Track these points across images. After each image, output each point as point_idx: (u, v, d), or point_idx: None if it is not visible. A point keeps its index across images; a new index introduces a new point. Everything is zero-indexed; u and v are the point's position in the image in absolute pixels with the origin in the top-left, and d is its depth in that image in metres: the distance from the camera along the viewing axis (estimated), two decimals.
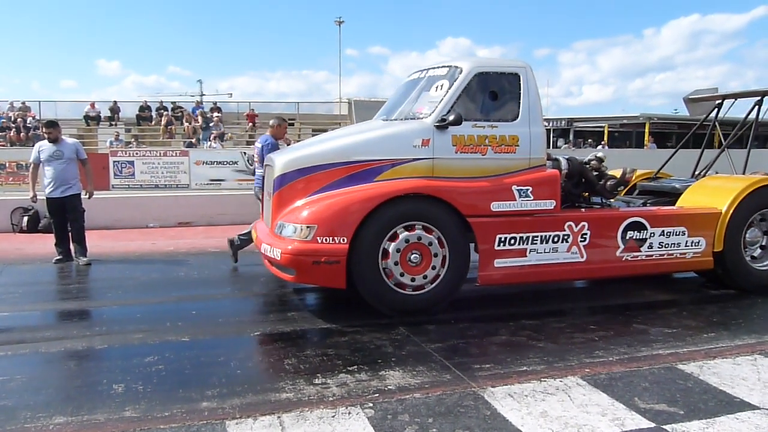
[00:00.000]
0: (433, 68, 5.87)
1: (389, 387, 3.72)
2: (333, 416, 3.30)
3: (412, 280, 5.09)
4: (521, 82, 5.49)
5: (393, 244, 5.00)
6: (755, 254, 6.26)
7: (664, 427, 3.19)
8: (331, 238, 4.87)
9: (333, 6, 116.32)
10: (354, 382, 3.79)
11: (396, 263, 5.01)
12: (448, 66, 5.67)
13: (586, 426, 3.20)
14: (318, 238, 4.87)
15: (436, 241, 5.12)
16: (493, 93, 5.48)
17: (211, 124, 22.42)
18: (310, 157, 5.32)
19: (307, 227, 4.91)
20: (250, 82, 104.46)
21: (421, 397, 3.56)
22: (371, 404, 3.46)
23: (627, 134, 33.35)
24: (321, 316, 5.35)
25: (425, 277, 5.11)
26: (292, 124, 27.40)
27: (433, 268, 5.12)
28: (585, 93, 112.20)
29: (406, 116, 5.64)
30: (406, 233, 5.04)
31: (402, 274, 5.05)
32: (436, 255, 5.11)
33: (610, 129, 32.29)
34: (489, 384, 3.76)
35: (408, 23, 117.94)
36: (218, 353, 4.37)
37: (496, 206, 5.28)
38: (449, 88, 5.38)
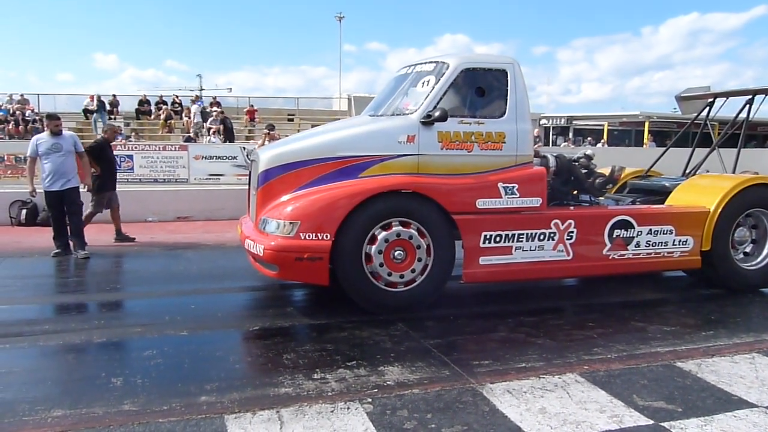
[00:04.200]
0: (421, 64, 5.84)
1: (388, 382, 3.72)
2: (332, 411, 3.30)
3: (401, 276, 5.08)
4: (508, 78, 5.46)
5: (377, 240, 4.98)
6: (743, 254, 6.26)
7: (662, 424, 3.20)
8: (314, 234, 4.85)
9: (330, 1, 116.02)
10: (353, 378, 3.79)
11: (381, 264, 4.99)
12: (435, 62, 5.65)
13: (584, 423, 3.21)
14: (301, 234, 4.85)
15: (417, 234, 5.07)
16: (480, 89, 5.46)
17: (210, 119, 22.35)
18: (295, 153, 5.30)
19: (290, 223, 4.89)
20: (248, 77, 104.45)
21: (420, 393, 3.56)
22: (370, 399, 3.46)
23: (626, 132, 33.29)
24: (320, 311, 5.35)
25: (413, 271, 5.09)
26: (292, 120, 27.39)
27: (419, 260, 5.10)
28: (584, 91, 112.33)
29: (393, 112, 5.62)
30: (391, 230, 5.01)
31: (390, 274, 5.03)
32: (419, 247, 5.09)
33: (609, 127, 32.23)
34: (488, 380, 3.76)
35: (406, 20, 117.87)
36: (217, 347, 4.37)
37: (481, 203, 5.27)
38: (435, 84, 5.36)
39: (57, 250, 7.62)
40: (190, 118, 23.21)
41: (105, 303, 5.67)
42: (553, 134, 33.42)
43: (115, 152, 9.36)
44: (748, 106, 7.23)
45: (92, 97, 24.57)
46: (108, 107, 24.03)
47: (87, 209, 8.33)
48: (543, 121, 33.06)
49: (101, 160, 8.44)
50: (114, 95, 25.36)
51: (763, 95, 7.11)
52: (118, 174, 9.00)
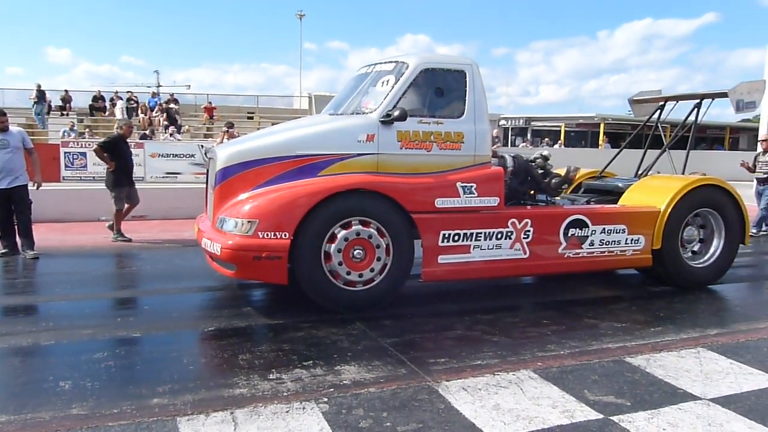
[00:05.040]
0: (381, 63, 5.86)
1: (344, 382, 3.71)
2: (287, 411, 3.28)
3: (360, 275, 5.08)
4: (467, 79, 5.52)
5: (337, 239, 4.96)
6: (692, 252, 6.46)
7: (611, 418, 3.28)
8: (272, 233, 4.82)
9: None
10: (309, 377, 3.77)
11: (340, 263, 4.98)
12: (395, 61, 5.67)
13: (537, 418, 3.26)
14: (259, 233, 4.81)
15: (376, 233, 5.08)
16: (439, 89, 5.51)
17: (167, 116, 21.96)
18: (254, 151, 5.26)
19: (249, 222, 4.85)
20: (208, 74, 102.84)
21: (376, 392, 3.57)
22: (326, 399, 3.45)
23: (583, 134, 34.05)
24: (277, 311, 5.31)
25: (372, 270, 5.10)
26: (252, 118, 27.10)
27: (378, 259, 5.11)
28: (542, 93, 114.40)
29: (353, 111, 5.62)
30: (351, 230, 5.01)
31: (349, 273, 5.03)
32: (378, 246, 5.10)
33: (566, 128, 32.90)
34: (443, 378, 3.79)
35: (368, 19, 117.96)
36: (171, 349, 4.29)
37: (440, 202, 5.31)
38: (395, 84, 5.38)
39: (4, 250, 7.37)
40: (146, 115, 22.76)
41: (54, 304, 5.51)
42: (512, 135, 33.92)
43: (67, 149, 9.11)
44: (696, 109, 7.47)
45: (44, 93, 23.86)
46: (51, 99, 23.34)
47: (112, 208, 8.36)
48: (502, 122, 33.52)
49: (116, 156, 8.33)
50: (66, 91, 24.71)
51: (711, 99, 7.36)
52: (70, 171, 8.75)
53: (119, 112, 22.37)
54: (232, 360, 4.07)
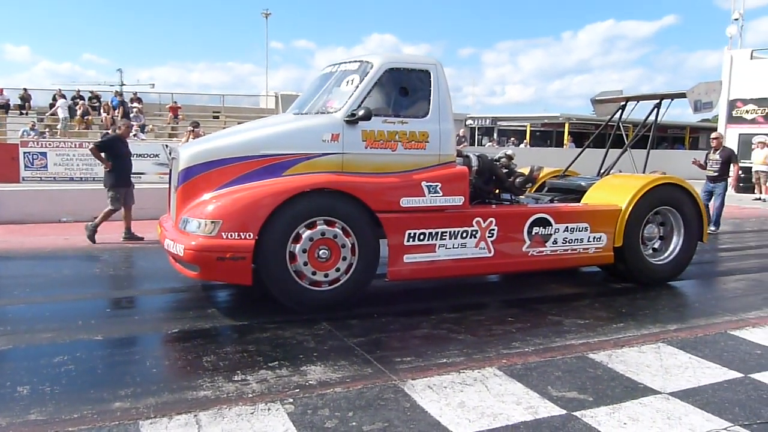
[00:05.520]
0: (346, 63, 5.86)
1: (310, 382, 3.70)
2: (252, 413, 3.25)
3: (326, 275, 5.06)
4: (432, 79, 5.54)
5: (302, 238, 4.94)
6: (652, 249, 6.60)
7: (574, 413, 3.33)
8: (236, 233, 4.78)
9: None
10: (274, 378, 3.75)
11: (306, 263, 4.96)
12: (359, 61, 5.68)
13: (501, 415, 3.30)
14: (223, 233, 4.77)
15: (342, 233, 5.07)
16: (404, 89, 5.53)
17: (131, 116, 21.55)
18: (217, 150, 5.21)
19: (212, 222, 4.80)
20: (172, 73, 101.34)
21: (342, 392, 3.56)
22: (291, 400, 3.43)
23: (548, 133, 34.51)
24: (243, 312, 5.27)
25: (338, 270, 5.09)
26: (217, 117, 26.78)
27: (344, 259, 5.10)
28: (508, 92, 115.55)
29: (318, 110, 5.61)
30: (316, 229, 4.99)
31: (314, 273, 5.01)
32: (344, 246, 5.10)
33: (532, 128, 33.31)
34: (409, 377, 3.81)
35: (335, 18, 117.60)
36: (133, 352, 4.23)
37: (405, 202, 5.33)
38: (360, 83, 5.38)
39: None
40: (109, 114, 22.31)
41: (12, 308, 5.35)
42: (478, 134, 34.22)
43: (26, 149, 8.89)
44: (656, 109, 7.64)
45: (1, 91, 23.22)
46: (9, 98, 22.68)
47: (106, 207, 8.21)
48: (469, 122, 33.81)
49: (113, 156, 8.21)
50: (25, 89, 24.07)
51: (670, 100, 7.54)
52: (29, 172, 8.54)
53: (61, 111, 21.80)
54: (197, 362, 4.02)
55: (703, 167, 10.58)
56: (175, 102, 26.02)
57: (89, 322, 4.82)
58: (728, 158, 10.37)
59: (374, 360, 4.08)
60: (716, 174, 10.37)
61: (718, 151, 10.42)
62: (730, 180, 10.83)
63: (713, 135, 10.95)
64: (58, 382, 3.63)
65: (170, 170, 5.90)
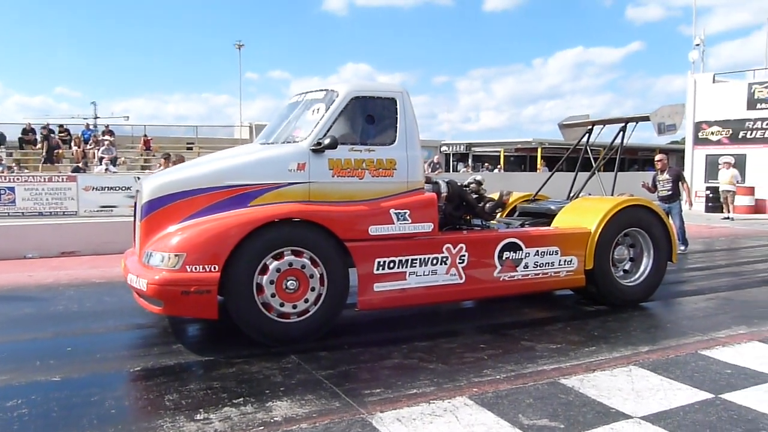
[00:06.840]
0: (312, 92, 5.84)
1: (275, 418, 3.59)
2: None
3: (294, 307, 4.96)
4: (398, 106, 5.54)
5: (269, 270, 4.85)
6: (623, 271, 6.61)
7: None
8: (201, 266, 4.67)
9: (232, 29, 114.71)
10: (238, 416, 3.63)
11: (273, 295, 4.86)
12: (325, 90, 5.66)
13: None
14: (187, 266, 4.65)
15: (310, 263, 4.99)
16: (370, 117, 5.52)
17: (102, 148, 21.32)
18: (181, 182, 5.13)
19: (176, 255, 4.69)
20: (147, 105, 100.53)
21: (308, 427, 3.46)
22: None
23: (522, 158, 34.86)
24: (209, 346, 5.14)
25: (306, 301, 5.00)
26: (191, 148, 26.61)
27: (312, 290, 5.01)
28: (482, 119, 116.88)
29: (284, 140, 5.57)
30: (283, 260, 4.90)
31: (282, 305, 4.90)
32: (312, 276, 5.01)
33: (506, 153, 33.63)
34: (378, 409, 3.71)
35: (308, 49, 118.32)
36: (92, 392, 4.06)
37: (374, 230, 5.27)
38: (326, 112, 5.36)
39: None
40: (79, 147, 22.05)
41: None
42: (453, 161, 34.45)
43: None
44: (622, 132, 7.75)
45: None
46: None
47: None
48: (444, 148, 34.05)
49: None
50: None
51: (635, 123, 7.64)
52: None
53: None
54: (158, 401, 3.88)
55: (652, 190, 10.73)
56: (146, 135, 25.80)
57: (48, 362, 4.65)
58: (677, 176, 10.61)
59: (342, 393, 3.98)
60: (670, 193, 10.52)
61: (665, 172, 10.59)
62: (684, 197, 10.98)
63: (657, 157, 11.07)
64: (9, 428, 3.47)
65: (135, 203, 5.79)
